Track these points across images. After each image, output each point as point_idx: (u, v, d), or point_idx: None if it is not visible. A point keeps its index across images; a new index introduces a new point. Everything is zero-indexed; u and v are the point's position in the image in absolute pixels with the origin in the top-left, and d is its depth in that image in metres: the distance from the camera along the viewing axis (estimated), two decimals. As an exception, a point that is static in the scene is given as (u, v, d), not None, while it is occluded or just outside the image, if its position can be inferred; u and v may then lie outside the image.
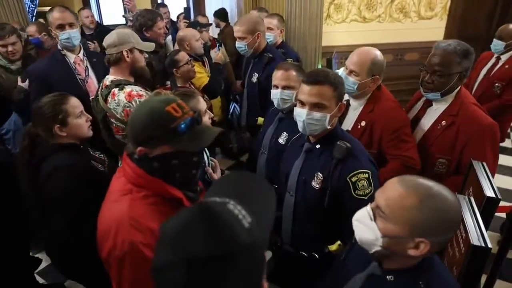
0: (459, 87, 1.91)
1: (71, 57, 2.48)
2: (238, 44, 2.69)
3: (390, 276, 1.05)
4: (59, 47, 2.47)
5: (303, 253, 1.66)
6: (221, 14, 4.76)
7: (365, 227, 1.03)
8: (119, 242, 1.02)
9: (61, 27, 2.37)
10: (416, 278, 1.01)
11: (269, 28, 3.02)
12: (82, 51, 2.55)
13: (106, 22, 9.12)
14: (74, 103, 1.70)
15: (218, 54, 3.03)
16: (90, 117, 1.79)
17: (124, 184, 1.12)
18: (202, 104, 1.81)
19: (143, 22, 2.99)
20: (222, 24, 4.61)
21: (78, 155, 1.69)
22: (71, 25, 2.40)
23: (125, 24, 4.18)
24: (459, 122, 1.85)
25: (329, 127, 1.51)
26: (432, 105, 1.99)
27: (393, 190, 1.00)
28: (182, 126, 1.07)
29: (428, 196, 0.95)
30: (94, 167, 1.77)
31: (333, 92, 1.48)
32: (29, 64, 2.87)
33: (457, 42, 1.86)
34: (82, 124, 1.72)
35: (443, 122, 1.90)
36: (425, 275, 1.01)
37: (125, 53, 2.09)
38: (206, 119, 1.82)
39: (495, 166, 1.92)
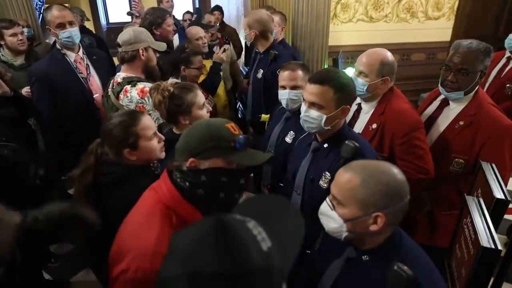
0: (477, 87, 1.89)
1: (71, 56, 2.47)
2: (241, 33, 2.91)
3: (365, 256, 1.12)
4: (58, 46, 2.46)
5: (309, 251, 1.66)
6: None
7: (329, 218, 1.12)
8: (134, 267, 0.98)
9: (61, 25, 2.36)
10: (390, 254, 1.06)
11: None
12: (81, 50, 2.53)
13: (112, 20, 9.17)
14: (146, 123, 1.52)
15: (217, 54, 3.01)
16: (163, 138, 1.62)
17: (156, 203, 1.08)
18: (200, 97, 1.82)
19: (152, 20, 2.99)
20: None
21: (154, 178, 1.52)
22: (71, 23, 2.39)
23: (131, 22, 4.17)
24: (477, 122, 1.84)
25: (326, 128, 1.51)
26: (449, 104, 1.97)
27: (341, 177, 1.10)
28: (239, 142, 1.06)
29: (368, 174, 1.06)
30: None
31: (333, 94, 1.48)
32: (32, 60, 2.89)
33: (476, 41, 1.85)
34: (154, 146, 1.53)
35: (461, 122, 1.89)
36: (397, 250, 1.08)
37: (141, 51, 2.11)
38: (205, 113, 1.82)
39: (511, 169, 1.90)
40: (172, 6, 4.28)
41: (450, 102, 1.96)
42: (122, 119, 1.50)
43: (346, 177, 1.08)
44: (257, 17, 2.78)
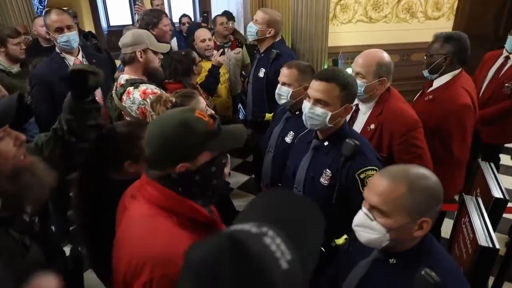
0: (455, 72, 2.20)
1: (70, 60, 2.48)
2: (250, 24, 2.84)
3: (392, 259, 1.11)
4: (57, 50, 2.48)
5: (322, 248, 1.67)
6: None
7: (369, 229, 1.08)
8: (158, 276, 0.92)
9: (60, 30, 2.37)
10: (418, 259, 1.06)
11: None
12: (81, 53, 2.55)
13: (113, 23, 9.21)
14: None
15: (215, 57, 3.04)
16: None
17: (149, 207, 1.03)
18: (202, 103, 1.88)
19: (148, 21, 3.03)
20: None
21: None
22: (69, 28, 2.40)
23: (132, 24, 4.20)
24: (435, 99, 2.21)
25: (330, 125, 1.54)
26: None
27: (381, 186, 1.07)
28: (216, 126, 1.03)
29: (413, 180, 1.04)
30: None
31: (339, 92, 1.51)
32: (27, 67, 2.92)
33: (451, 31, 2.21)
34: None
35: (428, 97, 2.27)
36: (426, 257, 1.07)
37: (138, 54, 2.12)
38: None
39: (461, 146, 2.15)
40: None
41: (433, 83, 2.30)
42: (129, 129, 1.43)
43: (388, 187, 1.05)
44: (277, 17, 2.84)
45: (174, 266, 0.89)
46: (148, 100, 2.03)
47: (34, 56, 2.92)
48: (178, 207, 1.02)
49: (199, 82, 2.96)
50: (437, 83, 2.26)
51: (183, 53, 2.80)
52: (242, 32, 4.65)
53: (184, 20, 4.78)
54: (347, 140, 1.50)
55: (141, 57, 2.13)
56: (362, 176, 1.48)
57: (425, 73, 2.31)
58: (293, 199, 0.66)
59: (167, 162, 1.01)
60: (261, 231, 0.56)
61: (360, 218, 1.12)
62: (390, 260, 1.11)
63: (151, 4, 4.60)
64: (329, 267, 1.47)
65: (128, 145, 1.38)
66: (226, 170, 1.64)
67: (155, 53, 2.20)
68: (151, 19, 3.03)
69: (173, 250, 0.92)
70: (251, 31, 2.82)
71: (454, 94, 2.14)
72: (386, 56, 1.90)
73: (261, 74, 2.81)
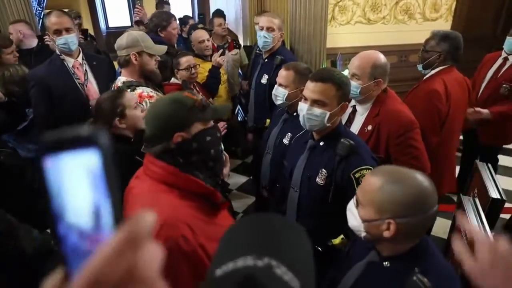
0: (443, 67, 2.37)
1: (69, 62, 2.47)
2: (265, 34, 2.76)
3: (386, 262, 1.12)
4: (57, 52, 2.47)
5: (319, 248, 1.68)
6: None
7: (352, 214, 1.16)
8: (162, 239, 1.01)
9: (58, 32, 2.36)
10: (411, 264, 1.05)
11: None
12: (81, 55, 2.54)
13: (111, 25, 9.22)
14: (129, 96, 1.83)
15: (215, 58, 3.04)
16: (145, 108, 1.85)
17: (150, 184, 1.14)
18: None
19: (158, 23, 3.03)
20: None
21: (128, 146, 1.75)
22: (68, 30, 2.38)
23: (131, 26, 4.18)
24: (418, 88, 2.44)
25: (328, 124, 1.56)
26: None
27: (366, 179, 1.13)
28: (203, 101, 1.17)
29: (390, 180, 1.05)
30: (138, 161, 1.75)
31: (336, 91, 1.53)
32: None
33: (448, 30, 2.31)
34: (138, 115, 1.80)
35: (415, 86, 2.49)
36: (421, 261, 1.07)
37: (132, 56, 2.11)
38: None
39: (433, 130, 2.27)
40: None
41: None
42: (109, 95, 1.80)
43: (369, 180, 1.11)
44: (281, 21, 2.83)
45: (177, 229, 1.03)
46: (144, 103, 2.03)
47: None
48: (179, 181, 1.12)
49: (201, 83, 2.97)
50: (426, 76, 2.45)
51: (177, 53, 2.80)
52: (241, 34, 4.66)
53: (191, 21, 4.74)
54: (342, 140, 1.52)
55: (135, 60, 2.12)
56: (357, 175, 1.49)
57: (419, 67, 2.47)
58: (274, 223, 0.62)
59: (164, 134, 1.13)
60: (266, 263, 0.51)
61: (351, 202, 1.20)
62: (384, 263, 1.12)
63: (156, 7, 4.55)
64: (329, 268, 1.48)
65: (112, 105, 1.73)
66: (226, 170, 1.68)
67: (151, 55, 2.18)
68: (160, 21, 3.03)
69: (175, 217, 1.05)
70: (268, 40, 2.75)
71: (429, 83, 2.33)
72: (381, 57, 1.91)
73: (264, 80, 2.78)
